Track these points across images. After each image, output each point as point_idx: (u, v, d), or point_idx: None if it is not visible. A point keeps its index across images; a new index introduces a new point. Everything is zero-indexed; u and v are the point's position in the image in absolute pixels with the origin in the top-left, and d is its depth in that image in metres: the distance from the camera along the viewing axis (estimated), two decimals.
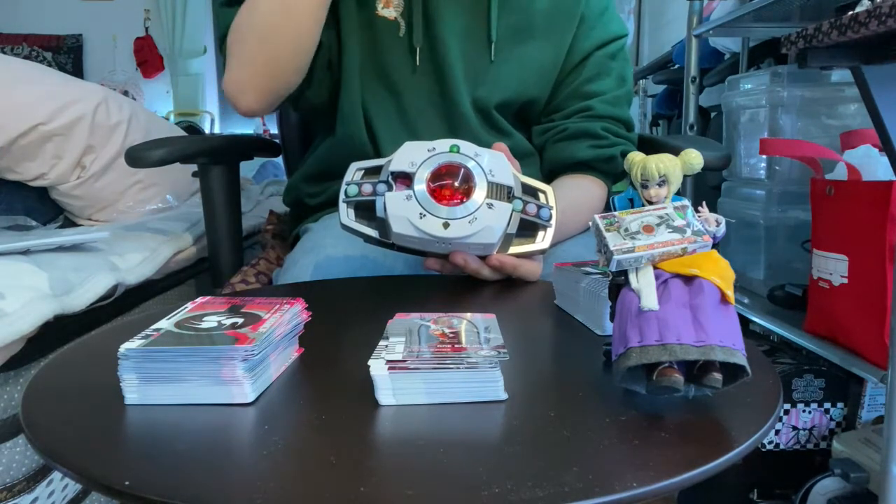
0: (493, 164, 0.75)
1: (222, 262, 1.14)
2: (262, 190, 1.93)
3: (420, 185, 0.73)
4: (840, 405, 1.23)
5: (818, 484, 1.12)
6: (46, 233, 1.33)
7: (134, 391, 0.47)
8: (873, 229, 0.94)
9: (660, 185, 0.50)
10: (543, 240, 0.78)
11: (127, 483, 0.37)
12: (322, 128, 1.11)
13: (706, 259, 0.47)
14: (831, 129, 1.30)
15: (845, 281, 1.00)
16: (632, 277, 0.47)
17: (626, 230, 0.48)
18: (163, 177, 1.54)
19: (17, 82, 1.37)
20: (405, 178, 0.74)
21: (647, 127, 2.74)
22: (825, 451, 1.22)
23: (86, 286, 0.95)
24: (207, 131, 4.61)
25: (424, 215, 0.72)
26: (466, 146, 0.75)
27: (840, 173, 1.06)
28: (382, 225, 0.74)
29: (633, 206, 0.51)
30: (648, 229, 0.48)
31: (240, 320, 0.52)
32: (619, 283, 0.49)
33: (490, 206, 0.73)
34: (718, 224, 0.49)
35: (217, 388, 0.47)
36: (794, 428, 1.23)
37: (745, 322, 1.32)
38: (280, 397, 0.49)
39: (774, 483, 1.25)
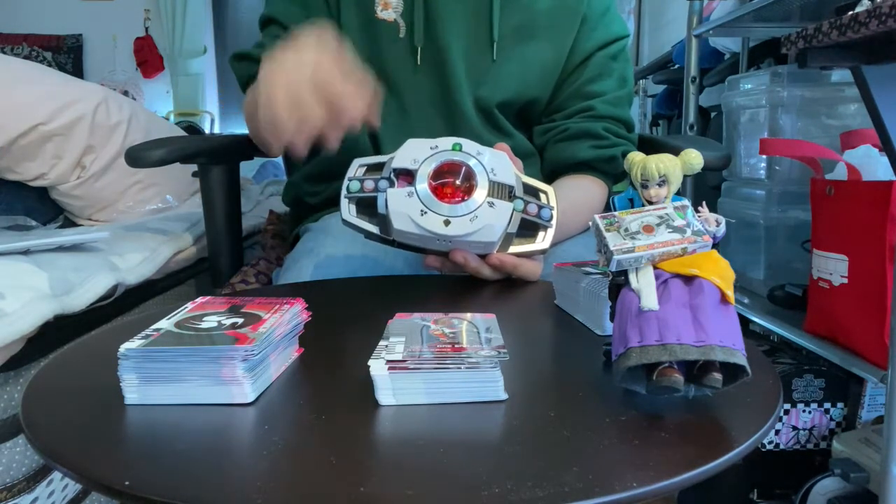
0: (494, 162, 0.75)
1: (222, 262, 1.13)
2: (262, 190, 1.93)
3: (422, 183, 0.73)
4: (840, 405, 1.23)
5: (818, 484, 1.12)
6: (46, 233, 1.33)
7: (134, 391, 0.47)
8: (873, 229, 0.94)
9: (660, 185, 0.50)
10: (544, 240, 0.78)
11: (127, 483, 0.37)
12: None
13: (706, 259, 0.47)
14: (831, 129, 1.30)
15: (845, 281, 1.00)
16: (632, 277, 0.47)
17: (626, 230, 0.48)
18: (163, 177, 1.54)
19: (17, 82, 1.37)
20: (407, 175, 0.74)
21: (647, 127, 2.74)
22: (825, 451, 1.22)
23: (86, 286, 0.95)
24: (207, 131, 4.61)
25: (425, 212, 0.72)
26: (469, 144, 0.75)
27: (840, 173, 1.06)
28: (384, 221, 0.74)
29: (633, 206, 0.51)
30: (648, 229, 0.48)
31: (240, 320, 0.52)
32: (619, 283, 0.49)
33: (491, 204, 0.73)
34: (718, 224, 0.49)
35: (217, 388, 0.47)
36: (794, 428, 1.23)
37: (745, 322, 1.32)
38: (280, 397, 0.49)
39: (774, 483, 1.25)
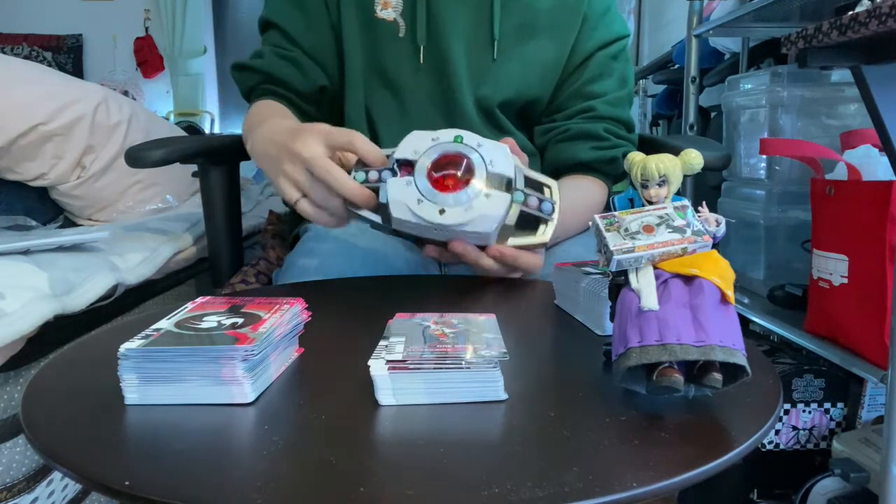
0: (493, 154, 0.76)
1: (222, 262, 1.13)
2: (262, 190, 1.93)
3: (421, 173, 0.75)
4: (840, 405, 1.23)
5: (818, 484, 1.12)
6: (46, 233, 1.33)
7: (134, 391, 0.47)
8: (873, 229, 0.94)
9: (660, 185, 0.50)
10: (544, 233, 0.79)
11: (127, 483, 0.37)
12: None
13: (706, 259, 0.47)
14: (831, 129, 1.30)
15: (845, 281, 1.00)
16: (632, 277, 0.47)
17: (626, 230, 0.48)
18: (163, 177, 1.54)
19: (17, 82, 1.37)
20: (408, 166, 0.76)
21: (647, 127, 2.74)
22: (825, 451, 1.22)
23: (86, 286, 0.95)
24: (207, 131, 4.61)
25: (422, 201, 0.74)
26: (470, 136, 0.77)
27: (840, 173, 1.06)
28: (385, 210, 0.75)
29: (633, 206, 0.51)
30: (648, 229, 0.48)
31: (240, 320, 0.52)
32: (619, 283, 0.49)
33: (487, 195, 0.74)
34: (718, 224, 0.49)
35: (217, 388, 0.47)
36: (794, 428, 1.23)
37: (745, 322, 1.32)
38: (280, 397, 0.49)
39: (774, 483, 1.25)
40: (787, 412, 1.23)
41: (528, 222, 0.78)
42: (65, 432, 0.44)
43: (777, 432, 1.24)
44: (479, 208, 0.74)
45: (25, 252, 0.96)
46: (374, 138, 1.03)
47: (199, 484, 0.38)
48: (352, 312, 0.71)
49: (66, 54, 4.52)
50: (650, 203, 0.50)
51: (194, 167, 1.13)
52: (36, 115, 1.35)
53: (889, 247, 0.91)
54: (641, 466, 0.39)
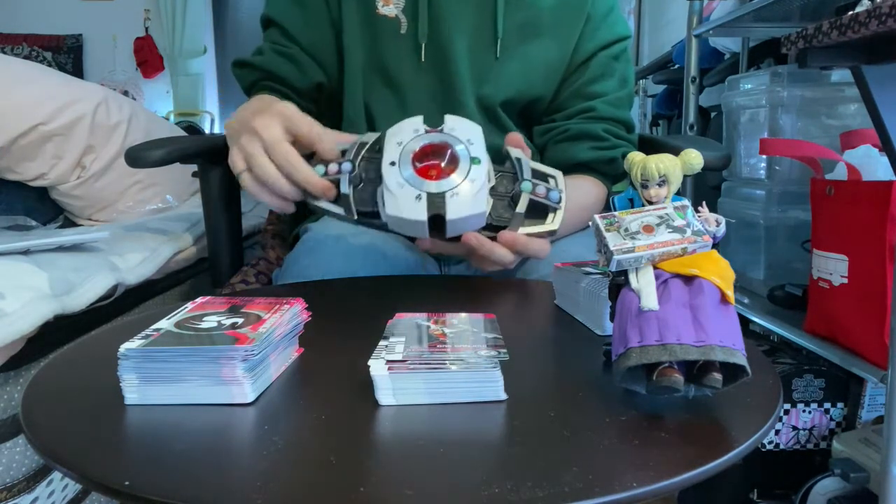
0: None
1: (222, 262, 1.13)
2: None
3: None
4: (840, 405, 1.23)
5: (818, 484, 1.12)
6: (46, 233, 1.33)
7: (134, 391, 0.47)
8: (873, 229, 0.94)
9: (660, 185, 0.50)
10: (553, 221, 0.79)
11: (127, 483, 0.37)
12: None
13: (706, 259, 0.47)
14: (831, 129, 1.30)
15: (845, 281, 1.00)
16: (632, 277, 0.47)
17: (626, 230, 0.48)
18: (163, 177, 1.54)
19: (17, 82, 1.37)
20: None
21: (647, 127, 2.74)
22: (825, 451, 1.22)
23: (86, 286, 0.95)
24: (207, 131, 4.60)
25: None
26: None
27: (840, 173, 1.06)
28: (347, 201, 0.75)
29: (633, 206, 0.51)
30: (648, 229, 0.48)
31: (240, 320, 0.52)
32: (619, 283, 0.49)
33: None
34: (718, 224, 0.49)
35: (217, 388, 0.47)
36: (794, 428, 1.23)
37: (745, 322, 1.32)
38: (280, 397, 0.49)
39: (774, 483, 1.25)
40: (787, 412, 1.23)
41: (537, 211, 0.78)
42: (65, 432, 0.44)
43: (777, 432, 1.24)
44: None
45: (25, 252, 0.96)
46: None
47: (199, 484, 0.38)
48: (352, 312, 0.71)
49: (66, 54, 4.52)
50: (650, 203, 0.50)
51: (194, 167, 1.13)
52: (36, 115, 1.35)
53: (889, 247, 0.91)
54: (641, 466, 0.39)
